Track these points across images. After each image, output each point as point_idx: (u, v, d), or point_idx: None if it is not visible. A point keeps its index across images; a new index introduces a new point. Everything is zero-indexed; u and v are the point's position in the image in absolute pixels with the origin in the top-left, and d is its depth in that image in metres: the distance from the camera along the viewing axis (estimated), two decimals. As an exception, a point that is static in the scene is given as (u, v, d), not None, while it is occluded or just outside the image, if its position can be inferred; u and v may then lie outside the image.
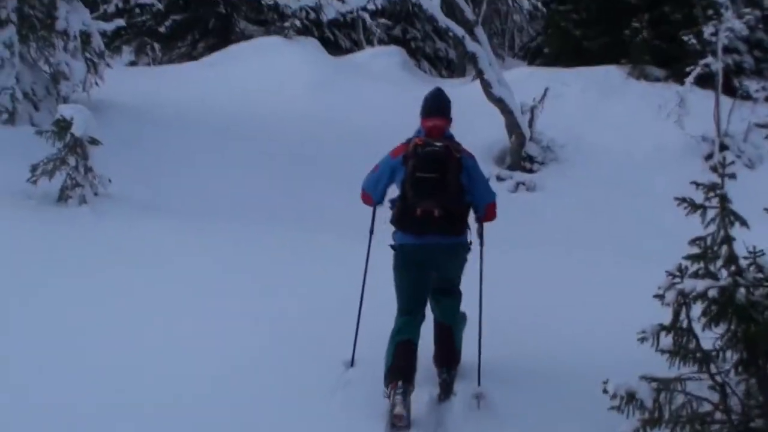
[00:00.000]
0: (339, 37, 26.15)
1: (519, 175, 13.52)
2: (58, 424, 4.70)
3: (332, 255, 7.94)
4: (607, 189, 12.85)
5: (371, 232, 5.83)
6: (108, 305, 6.29)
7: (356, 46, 25.87)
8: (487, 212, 5.80)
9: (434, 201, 5.29)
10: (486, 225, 5.84)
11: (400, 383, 5.16)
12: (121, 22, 13.90)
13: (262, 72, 16.87)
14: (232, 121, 13.86)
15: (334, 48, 24.42)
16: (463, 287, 5.78)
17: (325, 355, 5.74)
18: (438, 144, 5.33)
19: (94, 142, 9.00)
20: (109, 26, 13.43)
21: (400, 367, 5.29)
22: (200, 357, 5.59)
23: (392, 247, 5.57)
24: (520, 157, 13.88)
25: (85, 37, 12.33)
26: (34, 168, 8.78)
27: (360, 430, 5.03)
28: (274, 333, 6.05)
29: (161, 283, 6.84)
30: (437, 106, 5.65)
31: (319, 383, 5.40)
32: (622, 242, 10.55)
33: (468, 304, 5.82)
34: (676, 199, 4.85)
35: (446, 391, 5.58)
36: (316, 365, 5.62)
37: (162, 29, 26.21)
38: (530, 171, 13.79)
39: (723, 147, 13.73)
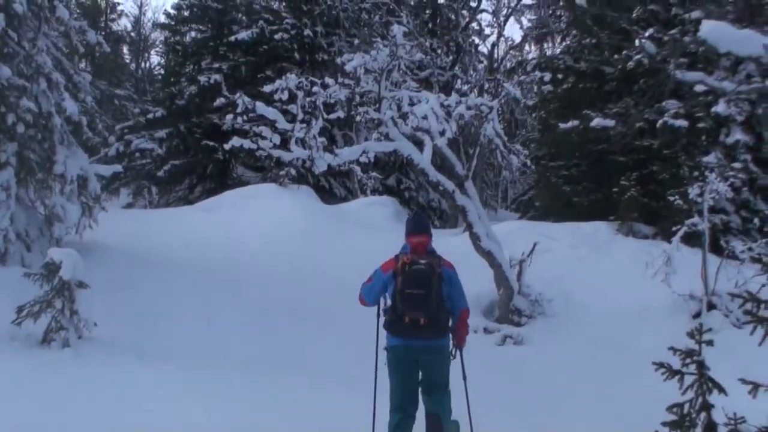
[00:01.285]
0: (334, 185, 26.69)
1: (507, 329, 13.48)
2: None
3: (309, 402, 7.96)
4: (594, 345, 12.76)
5: (378, 329, 6.70)
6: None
7: (350, 194, 26.33)
8: (461, 317, 6.68)
9: (420, 312, 6.19)
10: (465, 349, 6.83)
11: None
12: (118, 167, 14.09)
13: (256, 219, 17.10)
14: (222, 267, 13.95)
15: (329, 195, 24.92)
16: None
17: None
18: (423, 262, 6.30)
19: (81, 285, 9.02)
20: (107, 171, 13.64)
21: None
22: None
23: (385, 348, 6.49)
24: (509, 310, 13.89)
25: (82, 181, 12.54)
26: (20, 309, 8.77)
27: None
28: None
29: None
30: (421, 225, 6.66)
31: None
32: (604, 403, 10.43)
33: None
34: (654, 363, 4.87)
35: None
36: None
37: (161, 173, 26.72)
38: (518, 324, 13.75)
39: (711, 306, 13.75)
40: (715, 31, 3.62)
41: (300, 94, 12.22)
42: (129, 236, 14.31)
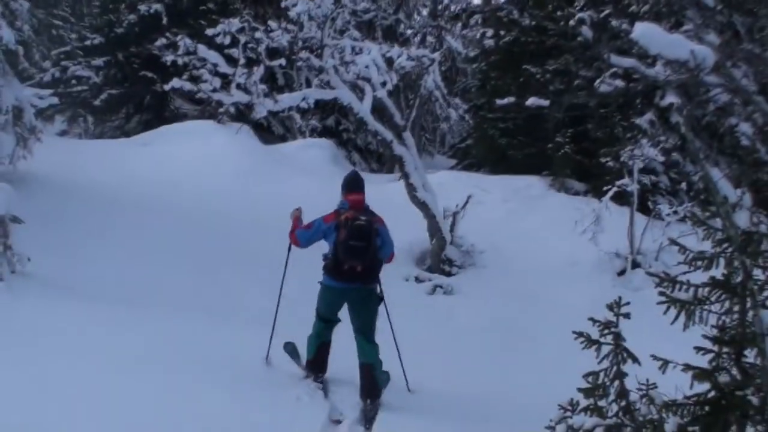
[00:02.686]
0: (273, 123, 26.50)
1: (438, 278, 13.73)
2: None
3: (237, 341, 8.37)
4: (521, 298, 13.08)
5: (286, 264, 8.15)
6: (14, 385, 6.18)
7: (289, 132, 26.20)
8: (389, 259, 7.86)
9: (359, 261, 7.29)
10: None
11: (320, 374, 7.72)
12: (54, 99, 13.82)
13: (193, 156, 16.96)
14: (157, 203, 13.86)
15: (267, 134, 24.75)
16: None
17: None
18: (363, 218, 7.33)
19: (15, 220, 8.94)
20: (43, 102, 13.38)
21: (318, 362, 7.73)
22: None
23: (321, 283, 7.65)
24: (440, 260, 14.14)
25: (17, 112, 12.28)
26: (-49, 242, 8.69)
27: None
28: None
29: (69, 366, 6.71)
30: (358, 184, 7.75)
31: None
32: (528, 353, 10.77)
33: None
34: (574, 332, 5.09)
35: (370, 420, 7.18)
36: None
37: (97, 102, 26.19)
38: (449, 274, 14.01)
39: (635, 264, 14.17)
40: (647, 34, 3.78)
41: (242, 38, 12.14)
42: (64, 167, 14.06)
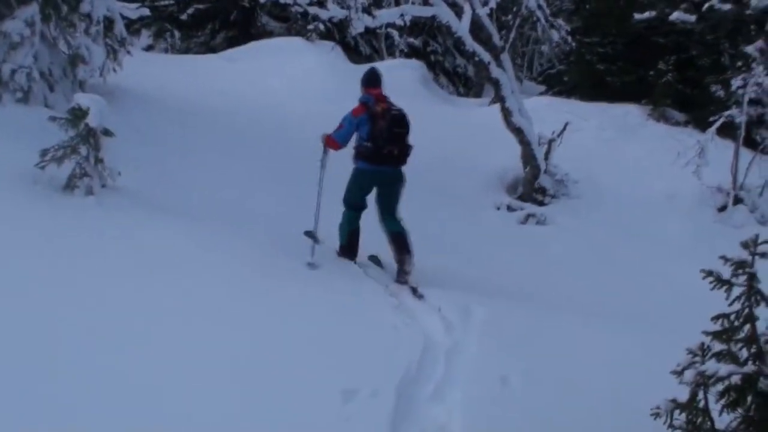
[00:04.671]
0: (360, 43, 26.04)
1: (530, 207, 13.31)
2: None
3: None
4: (617, 231, 12.62)
5: (324, 164, 8.79)
6: (109, 301, 6.09)
7: (376, 53, 25.76)
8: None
9: (397, 145, 8.32)
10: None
11: (353, 258, 8.73)
12: (146, 11, 13.63)
13: (283, 73, 16.73)
14: (248, 121, 13.67)
15: (353, 53, 24.31)
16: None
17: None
18: (396, 107, 8.42)
19: (107, 133, 8.78)
20: (134, 14, 13.19)
21: (351, 247, 8.73)
22: (199, 365, 5.42)
23: (358, 169, 8.52)
24: (533, 188, 13.68)
25: (108, 23, 12.11)
26: (44, 153, 8.55)
27: None
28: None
29: (165, 284, 6.65)
30: (378, 78, 8.75)
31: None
32: (631, 289, 10.33)
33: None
34: (702, 271, 4.70)
35: (406, 275, 8.38)
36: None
37: (183, 17, 26.07)
38: (541, 204, 13.56)
39: (737, 200, 13.56)
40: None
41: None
42: (152, 81, 13.94)
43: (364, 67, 9.99)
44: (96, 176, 8.64)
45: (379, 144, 8.24)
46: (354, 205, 8.65)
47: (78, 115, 8.54)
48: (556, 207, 13.52)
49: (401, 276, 8.42)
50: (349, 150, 8.59)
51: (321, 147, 8.78)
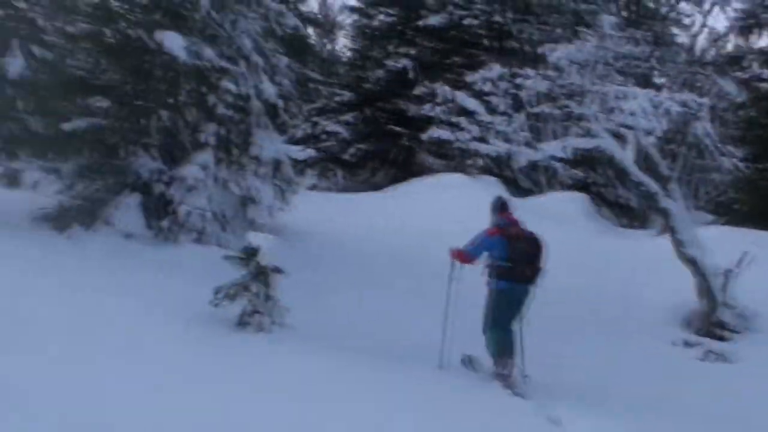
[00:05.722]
0: (519, 177, 25.99)
1: (710, 343, 12.51)
2: None
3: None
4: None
5: (452, 278, 9.26)
6: None
7: (535, 186, 25.59)
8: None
9: (531, 266, 8.82)
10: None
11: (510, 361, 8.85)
12: (311, 151, 14.15)
13: (449, 209, 16.78)
14: (407, 257, 13.67)
15: (513, 187, 24.25)
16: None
17: None
18: (529, 231, 8.98)
19: (278, 271, 8.95)
20: (300, 155, 13.65)
21: (508, 352, 8.87)
22: None
23: (501, 289, 8.83)
24: (710, 322, 12.92)
25: (276, 164, 12.56)
26: (217, 291, 8.78)
27: None
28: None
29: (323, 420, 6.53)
30: (510, 205, 9.38)
31: None
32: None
33: None
34: None
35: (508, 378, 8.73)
36: None
37: (346, 156, 26.93)
38: (721, 339, 12.72)
39: None
40: None
41: (502, 85, 11.78)
42: (318, 218, 14.26)
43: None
44: (267, 313, 8.79)
45: (517, 264, 8.74)
46: (502, 325, 8.93)
47: (250, 253, 8.78)
48: (739, 342, 12.64)
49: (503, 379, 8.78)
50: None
51: (449, 261, 9.28)
